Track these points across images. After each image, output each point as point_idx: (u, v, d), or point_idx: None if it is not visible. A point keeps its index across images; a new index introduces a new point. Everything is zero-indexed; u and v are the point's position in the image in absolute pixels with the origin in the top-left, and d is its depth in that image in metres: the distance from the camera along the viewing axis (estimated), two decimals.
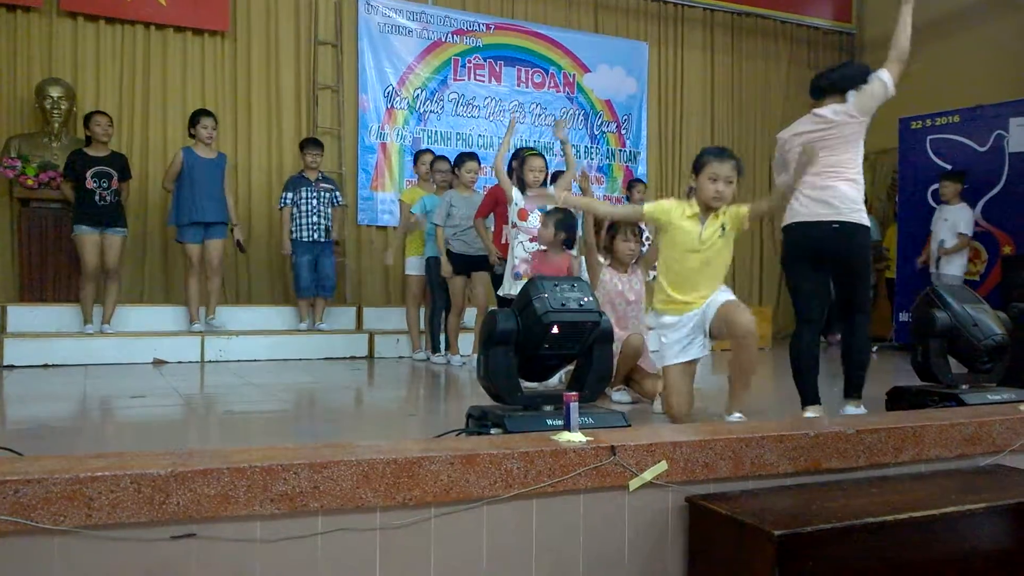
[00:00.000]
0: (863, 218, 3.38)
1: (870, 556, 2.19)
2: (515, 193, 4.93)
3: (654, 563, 2.35)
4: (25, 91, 6.38)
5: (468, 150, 6.91)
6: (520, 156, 5.16)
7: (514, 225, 4.88)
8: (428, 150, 6.65)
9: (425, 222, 5.94)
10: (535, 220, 4.72)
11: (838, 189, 3.33)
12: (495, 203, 5.26)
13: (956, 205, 6.89)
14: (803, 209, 3.38)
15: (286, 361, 6.09)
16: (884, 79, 3.35)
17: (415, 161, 6.54)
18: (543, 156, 5.13)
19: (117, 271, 5.90)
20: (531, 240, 4.74)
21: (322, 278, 6.43)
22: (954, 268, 6.83)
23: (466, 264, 5.58)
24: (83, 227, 5.70)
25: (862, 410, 3.42)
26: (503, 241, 5.18)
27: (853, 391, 3.49)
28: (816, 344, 3.48)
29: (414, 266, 6.15)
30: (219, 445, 3.15)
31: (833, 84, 3.45)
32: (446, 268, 5.61)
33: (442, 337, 6.02)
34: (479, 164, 5.95)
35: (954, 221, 6.84)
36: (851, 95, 3.40)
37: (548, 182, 5.34)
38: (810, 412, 3.35)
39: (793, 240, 3.46)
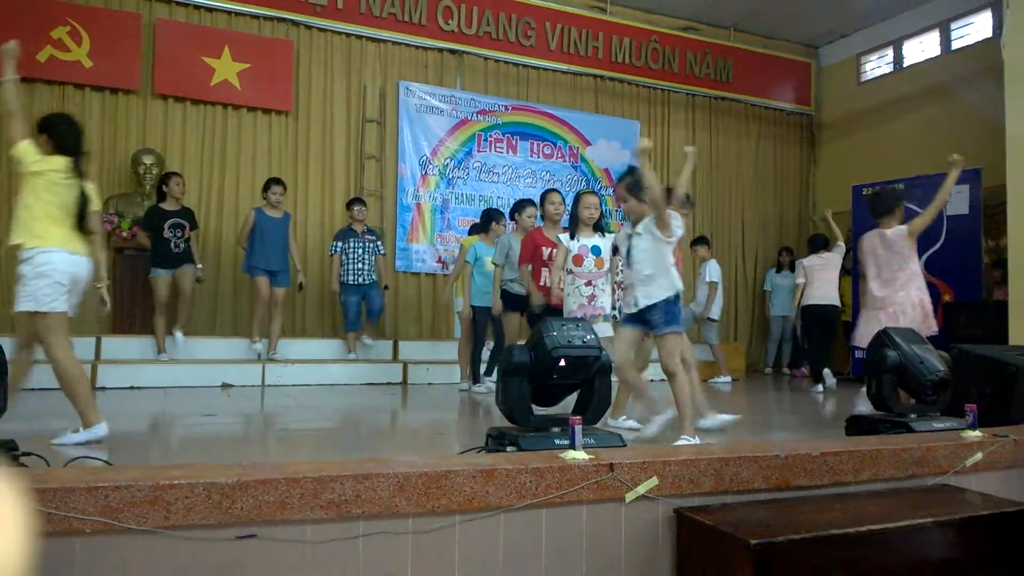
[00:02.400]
0: (838, 302, 6.61)
1: (834, 564, 2.14)
2: (564, 238, 4.23)
3: (647, 567, 2.30)
4: (123, 158, 6.53)
5: (526, 197, 6.12)
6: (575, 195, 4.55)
7: (570, 271, 4.14)
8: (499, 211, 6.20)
9: (472, 265, 5.73)
10: (590, 264, 4.09)
11: (829, 292, 6.63)
12: (534, 247, 4.72)
13: (708, 261, 7.40)
14: (817, 295, 6.53)
15: (333, 386, 6.09)
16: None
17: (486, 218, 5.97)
18: (596, 193, 4.42)
19: (192, 297, 5.96)
20: (586, 284, 4.07)
21: (371, 306, 6.48)
22: (715, 312, 7.26)
23: (523, 304, 5.00)
24: (159, 270, 5.83)
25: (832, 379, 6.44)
26: (542, 283, 4.62)
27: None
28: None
29: (463, 305, 5.93)
30: (277, 458, 3.15)
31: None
32: (497, 306, 5.33)
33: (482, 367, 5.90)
34: (536, 209, 5.31)
35: (705, 274, 7.30)
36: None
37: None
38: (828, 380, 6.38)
39: (812, 313, 6.59)
